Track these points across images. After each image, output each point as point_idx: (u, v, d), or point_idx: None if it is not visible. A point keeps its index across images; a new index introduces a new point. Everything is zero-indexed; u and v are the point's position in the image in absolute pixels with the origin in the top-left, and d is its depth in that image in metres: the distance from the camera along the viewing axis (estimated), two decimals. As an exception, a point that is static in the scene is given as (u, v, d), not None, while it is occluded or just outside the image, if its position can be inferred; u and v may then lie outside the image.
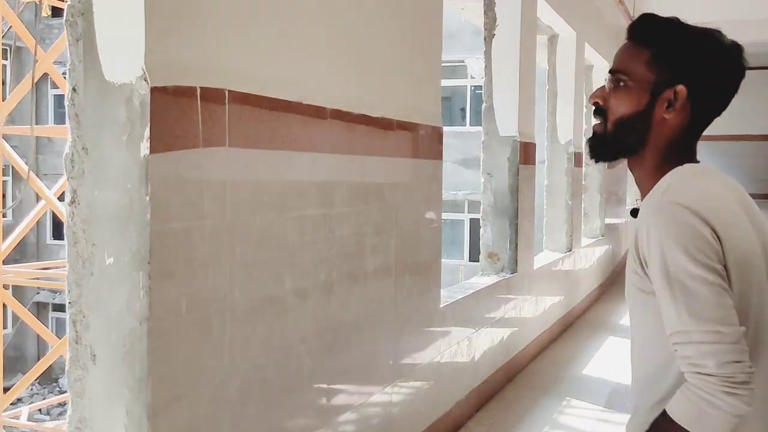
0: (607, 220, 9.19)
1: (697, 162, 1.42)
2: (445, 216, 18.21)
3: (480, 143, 5.36)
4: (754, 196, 1.49)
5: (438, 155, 3.83)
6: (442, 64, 3.91)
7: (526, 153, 5.46)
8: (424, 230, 3.69)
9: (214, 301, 2.19)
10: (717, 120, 1.44)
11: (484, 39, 5.32)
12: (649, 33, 1.41)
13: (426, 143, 3.69)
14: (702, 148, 1.48)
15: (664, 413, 1.26)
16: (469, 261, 16.10)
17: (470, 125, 16.47)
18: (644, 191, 1.42)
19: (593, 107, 1.47)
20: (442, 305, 3.97)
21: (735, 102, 1.42)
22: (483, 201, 5.37)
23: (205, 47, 2.14)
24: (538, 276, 5.98)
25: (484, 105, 5.34)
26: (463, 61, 16.22)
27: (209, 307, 2.18)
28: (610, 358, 5.87)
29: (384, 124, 3.23)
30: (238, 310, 2.29)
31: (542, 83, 7.19)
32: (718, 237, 1.25)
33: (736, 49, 1.39)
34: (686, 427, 1.21)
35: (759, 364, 1.27)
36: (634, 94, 1.40)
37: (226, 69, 2.23)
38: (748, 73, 1.40)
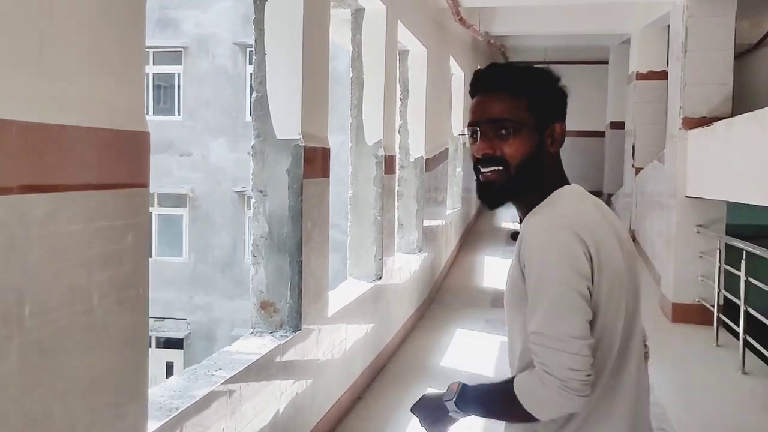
0: (426, 222, 7.92)
1: (569, 183, 1.66)
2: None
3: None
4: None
5: (140, 176, 2.23)
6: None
7: (316, 162, 3.96)
8: (110, 317, 2.07)
9: None
10: None
11: (254, 1, 3.77)
12: (523, 83, 1.63)
13: (108, 160, 2.08)
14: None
15: (512, 381, 1.51)
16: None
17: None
18: (525, 213, 1.63)
19: (481, 159, 1.62)
20: (156, 427, 2.37)
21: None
22: (253, 230, 3.80)
23: None
24: (334, 325, 4.49)
25: (254, 95, 3.78)
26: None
27: None
28: None
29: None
30: None
31: (345, 70, 5.75)
32: (590, 255, 1.47)
33: (560, 79, 1.68)
34: (521, 401, 1.46)
35: (623, 372, 1.54)
36: (527, 138, 1.61)
37: None
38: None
